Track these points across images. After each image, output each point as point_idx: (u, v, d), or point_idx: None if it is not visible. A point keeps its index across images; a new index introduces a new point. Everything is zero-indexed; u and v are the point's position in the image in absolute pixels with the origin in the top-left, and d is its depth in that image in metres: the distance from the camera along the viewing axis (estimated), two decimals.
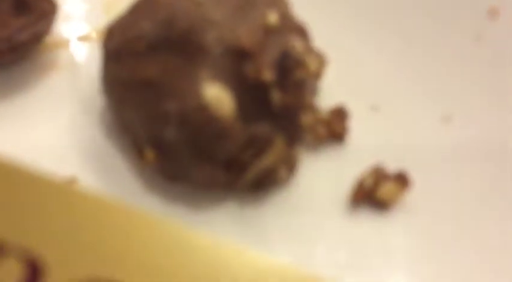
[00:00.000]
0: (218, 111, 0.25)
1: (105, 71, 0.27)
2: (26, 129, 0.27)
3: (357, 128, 0.29)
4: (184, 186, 0.26)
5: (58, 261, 0.14)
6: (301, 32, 0.27)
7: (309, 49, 0.27)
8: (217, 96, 0.25)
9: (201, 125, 0.25)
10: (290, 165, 0.27)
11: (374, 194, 0.27)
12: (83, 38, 0.31)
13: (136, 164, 0.27)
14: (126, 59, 0.26)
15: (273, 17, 0.26)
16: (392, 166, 0.28)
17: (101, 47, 0.27)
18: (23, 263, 0.14)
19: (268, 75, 0.25)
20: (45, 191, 0.15)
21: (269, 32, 0.25)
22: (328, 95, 0.30)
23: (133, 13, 0.27)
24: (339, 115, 0.29)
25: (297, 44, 0.26)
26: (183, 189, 0.26)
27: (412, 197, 0.28)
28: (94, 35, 0.31)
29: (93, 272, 0.14)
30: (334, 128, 0.28)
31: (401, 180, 0.27)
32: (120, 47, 0.26)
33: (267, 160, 0.26)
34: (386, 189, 0.27)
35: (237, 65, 0.25)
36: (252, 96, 0.25)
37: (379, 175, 0.27)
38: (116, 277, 0.14)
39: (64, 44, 0.31)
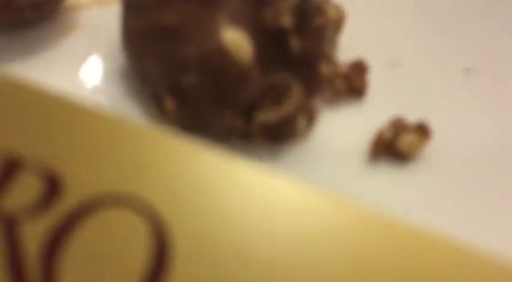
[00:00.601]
0: (237, 55, 0.25)
1: (124, 24, 0.27)
2: (49, 85, 0.27)
3: (376, 82, 0.29)
4: (204, 137, 0.26)
5: (76, 176, 0.14)
6: None
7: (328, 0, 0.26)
8: (236, 40, 0.25)
9: (219, 69, 0.25)
10: (309, 115, 0.27)
11: (394, 145, 0.27)
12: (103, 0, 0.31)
13: (157, 117, 0.27)
14: (145, 9, 0.26)
15: None
16: (412, 118, 0.27)
17: (121, 1, 0.27)
18: (42, 178, 0.14)
19: (286, 20, 0.25)
20: (66, 110, 0.15)
21: None
22: (347, 49, 0.30)
23: None
24: (358, 69, 0.28)
25: None
26: (202, 140, 0.26)
27: (433, 147, 0.27)
28: None
29: (110, 186, 0.14)
30: (353, 82, 0.28)
31: (422, 130, 0.27)
32: None
33: (285, 108, 0.26)
34: (406, 141, 0.26)
35: (255, 11, 0.25)
36: (270, 43, 0.25)
37: (399, 126, 0.27)
38: (132, 191, 0.14)
39: (85, 5, 0.31)
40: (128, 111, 0.28)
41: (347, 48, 0.29)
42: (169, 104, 0.26)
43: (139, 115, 0.28)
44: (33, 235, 0.13)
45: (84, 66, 0.29)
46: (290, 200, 0.15)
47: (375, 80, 0.29)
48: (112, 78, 0.29)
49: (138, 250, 0.13)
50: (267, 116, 0.26)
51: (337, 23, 0.27)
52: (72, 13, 0.31)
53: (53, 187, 0.14)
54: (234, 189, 0.14)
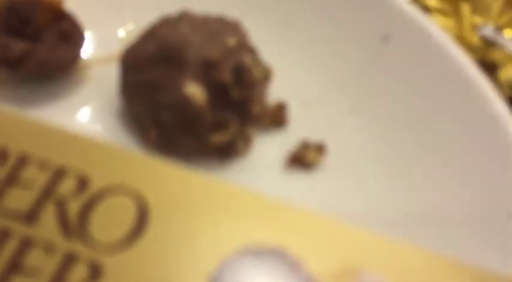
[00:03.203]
0: (196, 102, 0.26)
1: (122, 79, 0.29)
2: (63, 124, 0.24)
3: (293, 116, 0.31)
4: (175, 155, 0.28)
5: (99, 176, 0.17)
6: (252, 51, 0.29)
7: (257, 62, 0.29)
8: (195, 92, 0.27)
9: (184, 111, 0.27)
10: (245, 140, 0.29)
11: (302, 159, 0.29)
12: (104, 59, 0.32)
13: (143, 142, 0.29)
14: (136, 68, 0.28)
15: (231, 41, 0.28)
16: (315, 140, 0.30)
17: (119, 62, 0.29)
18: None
19: (226, 77, 0.27)
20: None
21: (229, 50, 0.27)
22: (274, 94, 0.31)
23: (141, 39, 0.29)
24: (281, 108, 0.31)
25: (246, 59, 0.28)
26: (174, 158, 0.27)
27: (329, 160, 0.30)
28: (112, 58, 0.32)
29: (116, 181, 0.17)
30: (277, 117, 0.30)
31: (321, 149, 0.29)
32: (133, 62, 0.28)
33: (228, 135, 0.28)
34: (310, 156, 0.29)
35: (208, 72, 0.27)
36: (218, 92, 0.27)
37: (305, 146, 0.29)
38: (128, 184, 0.17)
39: (92, 63, 0.32)
40: (123, 140, 0.29)
41: (274, 92, 0.31)
42: (153, 133, 0.28)
43: (131, 142, 0.29)
44: (74, 209, 0.16)
45: (91, 108, 0.30)
46: (234, 201, 0.16)
47: (292, 115, 0.31)
48: (111, 116, 0.30)
49: (128, 217, 0.16)
50: (217, 139, 0.28)
51: (266, 78, 0.30)
52: (82, 69, 0.32)
53: (83, 183, 0.17)
54: (191, 189, 0.17)
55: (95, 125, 0.30)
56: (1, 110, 0.19)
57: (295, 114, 0.31)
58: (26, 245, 0.16)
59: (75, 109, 0.30)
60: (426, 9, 0.35)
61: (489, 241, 0.25)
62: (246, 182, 0.28)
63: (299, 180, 0.29)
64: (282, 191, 0.27)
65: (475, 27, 0.35)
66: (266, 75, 0.30)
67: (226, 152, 0.29)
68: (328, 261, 0.16)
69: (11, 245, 0.16)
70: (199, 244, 0.16)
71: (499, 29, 0.34)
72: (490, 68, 0.33)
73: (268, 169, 0.29)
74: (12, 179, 0.17)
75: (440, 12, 0.35)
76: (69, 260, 0.16)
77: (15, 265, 0.16)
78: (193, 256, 0.16)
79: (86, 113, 0.30)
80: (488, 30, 0.34)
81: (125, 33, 0.34)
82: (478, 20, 0.35)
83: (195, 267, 0.16)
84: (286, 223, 0.17)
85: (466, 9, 0.35)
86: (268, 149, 0.30)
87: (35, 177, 0.17)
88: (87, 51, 0.32)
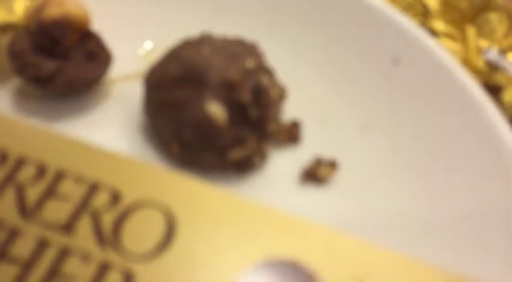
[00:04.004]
0: (216, 120, 0.27)
1: (146, 97, 0.29)
2: (89, 138, 0.26)
3: (307, 134, 0.31)
4: (196, 169, 0.29)
5: (130, 191, 0.18)
6: (269, 72, 0.29)
7: (273, 83, 0.29)
8: (216, 111, 0.27)
9: (206, 128, 0.27)
10: (261, 155, 0.29)
11: (315, 174, 0.29)
12: (128, 77, 0.32)
13: (164, 157, 0.29)
14: (160, 88, 0.28)
15: (250, 63, 0.28)
16: (327, 157, 0.30)
17: (144, 81, 0.29)
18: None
19: (246, 98, 0.27)
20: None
21: (248, 72, 0.28)
22: (288, 112, 0.32)
23: (164, 60, 0.29)
24: (295, 126, 0.31)
25: (264, 80, 0.28)
26: (195, 171, 0.28)
27: (341, 176, 0.30)
28: (135, 75, 0.32)
29: (146, 195, 0.18)
30: (291, 134, 0.31)
31: (333, 165, 0.30)
32: (157, 81, 0.28)
33: (245, 150, 0.28)
34: (323, 171, 0.29)
35: (228, 92, 0.27)
36: (237, 111, 0.27)
37: (318, 162, 0.30)
38: (156, 198, 0.18)
39: (116, 80, 0.32)
40: (145, 154, 0.29)
41: (289, 110, 0.32)
42: (175, 147, 0.28)
43: (153, 156, 0.29)
44: (108, 221, 0.17)
45: (114, 122, 0.31)
46: (254, 216, 0.17)
47: (306, 132, 0.31)
48: (135, 132, 0.30)
49: (158, 229, 0.17)
50: (235, 154, 0.28)
51: (281, 97, 0.30)
52: (106, 86, 0.32)
53: (116, 197, 0.18)
54: (215, 204, 0.18)
55: (118, 138, 0.30)
56: (39, 128, 0.20)
57: (308, 131, 0.31)
58: (63, 253, 0.17)
59: (100, 123, 0.31)
60: (434, 33, 0.37)
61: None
62: (261, 195, 0.28)
63: (311, 194, 0.29)
64: (295, 204, 0.28)
65: (480, 51, 0.35)
66: (281, 95, 0.30)
67: (243, 166, 0.29)
68: (341, 273, 0.17)
69: (50, 254, 0.17)
70: (221, 256, 0.17)
71: (503, 52, 0.35)
72: (494, 90, 0.33)
73: (282, 183, 0.29)
74: (51, 192, 0.18)
75: (447, 36, 0.36)
76: (104, 268, 0.17)
77: (54, 272, 0.17)
78: (216, 267, 0.17)
79: (110, 127, 0.31)
80: (493, 54, 0.35)
81: (144, 52, 0.34)
82: (483, 43, 0.36)
83: (218, 278, 0.17)
84: (302, 237, 0.17)
85: (471, 32, 0.36)
86: (282, 164, 0.30)
87: (72, 191, 0.18)
88: (111, 69, 0.32)
